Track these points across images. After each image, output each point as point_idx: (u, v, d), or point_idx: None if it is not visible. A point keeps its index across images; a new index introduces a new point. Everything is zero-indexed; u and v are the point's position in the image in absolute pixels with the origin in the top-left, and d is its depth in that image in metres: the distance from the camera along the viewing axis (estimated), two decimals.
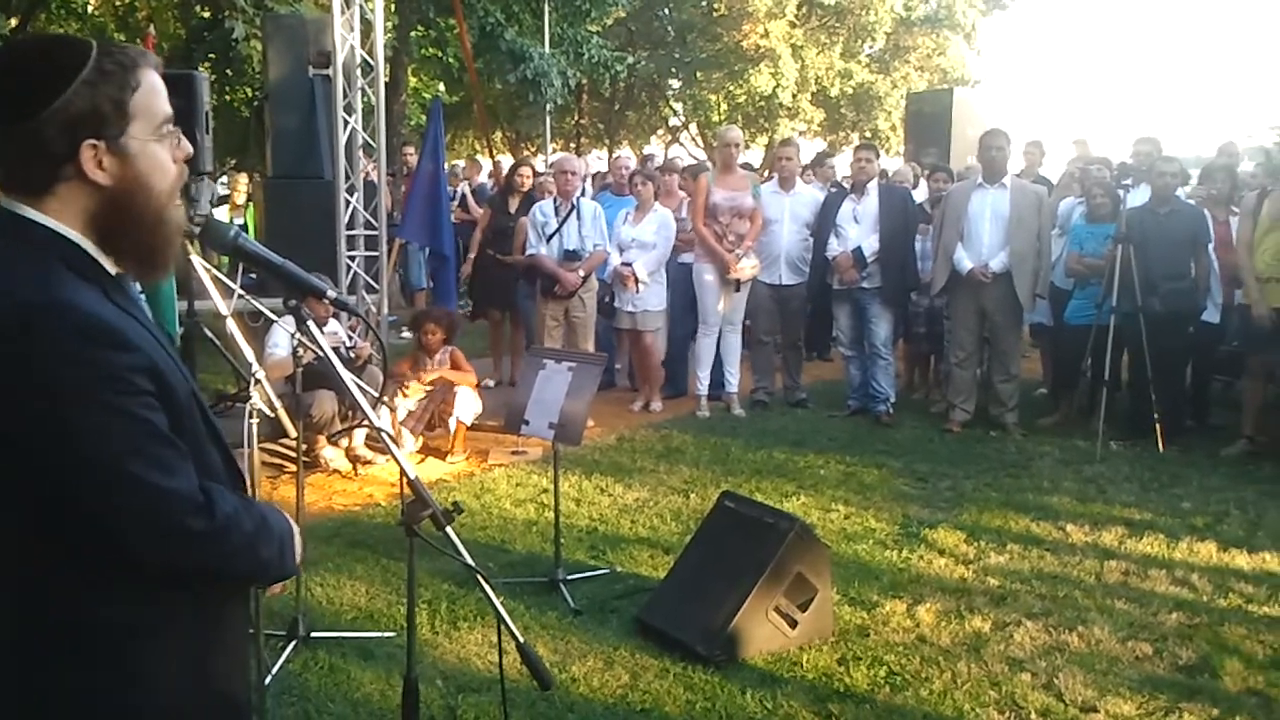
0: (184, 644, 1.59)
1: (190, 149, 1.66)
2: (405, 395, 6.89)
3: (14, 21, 15.09)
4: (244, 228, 10.50)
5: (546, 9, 17.79)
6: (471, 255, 9.25)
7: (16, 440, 1.42)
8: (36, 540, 1.49)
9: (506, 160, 13.43)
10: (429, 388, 6.99)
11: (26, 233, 1.52)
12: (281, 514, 1.73)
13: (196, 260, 4.07)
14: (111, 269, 1.59)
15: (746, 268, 7.95)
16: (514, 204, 8.99)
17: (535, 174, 9.34)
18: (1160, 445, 7.02)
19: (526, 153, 23.47)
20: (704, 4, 27.53)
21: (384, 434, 2.03)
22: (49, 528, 1.47)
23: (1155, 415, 7.05)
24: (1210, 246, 7.30)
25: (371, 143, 8.66)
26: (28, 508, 1.46)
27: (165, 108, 1.60)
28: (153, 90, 1.58)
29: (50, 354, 1.41)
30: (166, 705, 1.58)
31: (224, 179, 13.79)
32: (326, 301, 2.01)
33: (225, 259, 8.34)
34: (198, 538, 1.50)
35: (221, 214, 10.11)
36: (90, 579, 1.51)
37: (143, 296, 1.80)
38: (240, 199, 10.59)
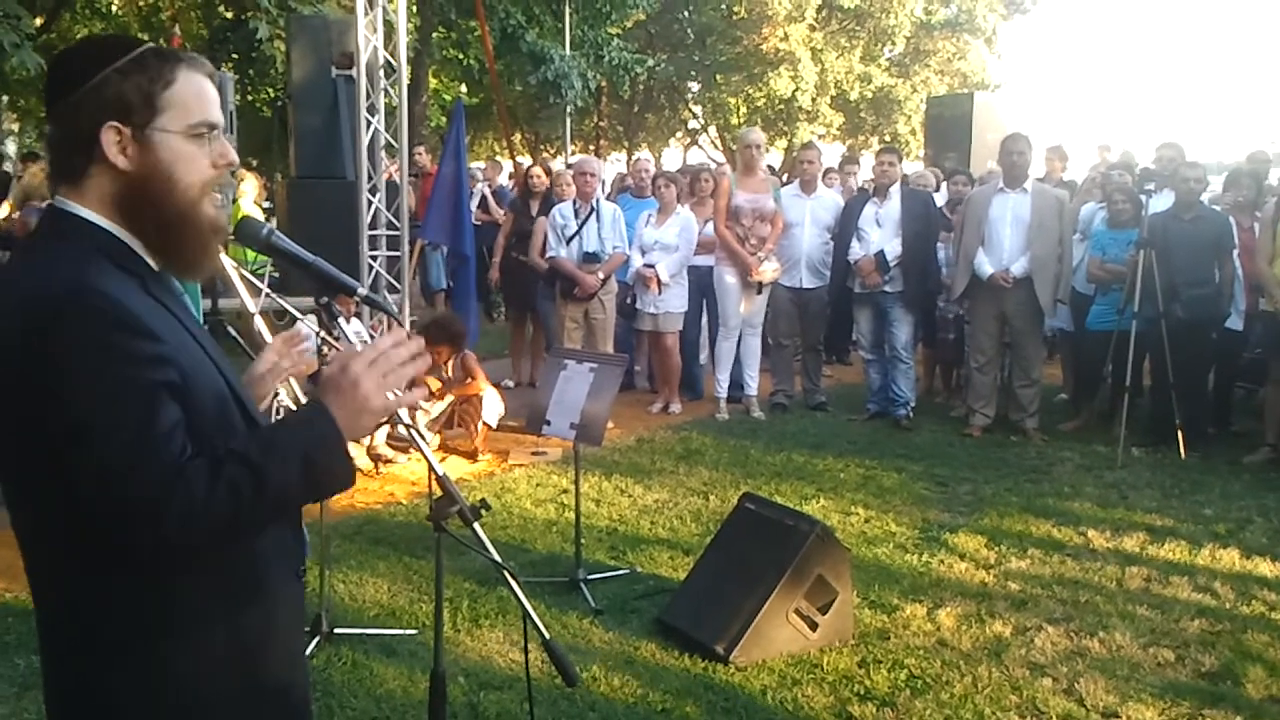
0: (223, 631, 1.61)
1: (233, 156, 1.69)
2: (426, 412, 6.91)
3: (39, 21, 15.22)
4: None
5: (567, 11, 17.85)
6: (497, 259, 9.36)
7: (44, 427, 1.45)
8: (65, 532, 1.52)
9: (527, 162, 13.46)
10: (442, 391, 7.02)
11: (71, 227, 1.59)
12: (310, 422, 1.57)
13: (225, 259, 4.10)
14: (154, 264, 1.64)
15: (768, 270, 7.96)
16: (534, 206, 9.06)
17: (548, 172, 9.44)
18: (1182, 452, 6.99)
19: (546, 154, 23.55)
20: (724, 7, 27.57)
21: (413, 431, 2.04)
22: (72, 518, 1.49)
23: (1177, 422, 7.01)
24: (1234, 253, 7.26)
25: (394, 143, 8.70)
26: (56, 498, 1.48)
27: (205, 111, 1.64)
28: (191, 90, 1.63)
29: (76, 339, 1.45)
30: (202, 692, 1.60)
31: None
32: (356, 299, 2.03)
33: (254, 255, 8.38)
34: (178, 527, 1.44)
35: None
36: (123, 568, 1.53)
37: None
38: (244, 199, 10.07)
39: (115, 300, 1.48)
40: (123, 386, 1.45)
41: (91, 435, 1.43)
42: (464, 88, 23.55)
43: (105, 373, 1.44)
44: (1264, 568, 5.12)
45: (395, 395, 1.62)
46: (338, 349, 4.32)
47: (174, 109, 1.61)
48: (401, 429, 2.03)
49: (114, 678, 1.56)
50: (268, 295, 4.81)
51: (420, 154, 12.15)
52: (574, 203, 7.99)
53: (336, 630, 4.14)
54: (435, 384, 6.99)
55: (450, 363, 7.12)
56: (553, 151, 25.94)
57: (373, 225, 8.59)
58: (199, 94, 1.64)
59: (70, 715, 1.61)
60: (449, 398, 7.02)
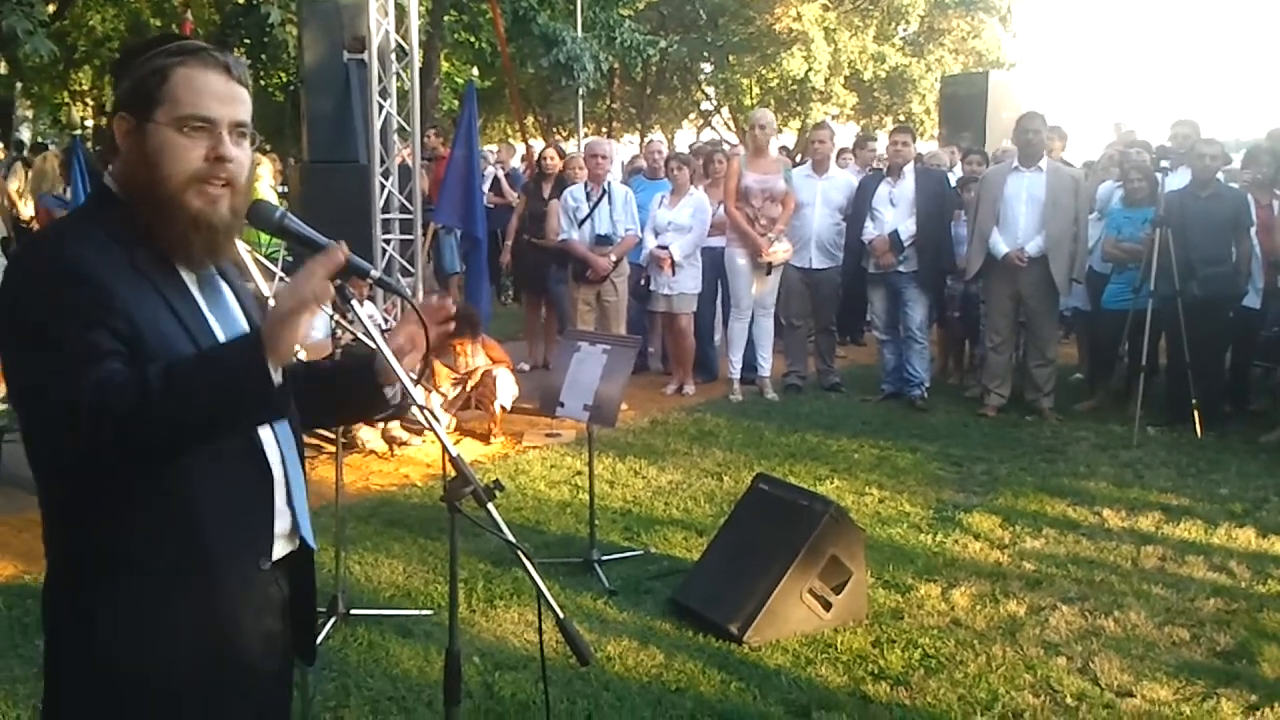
0: (159, 606, 1.68)
1: (225, 151, 1.71)
2: (438, 390, 6.91)
3: (52, 8, 15.26)
4: None
5: None
6: (508, 242, 9.38)
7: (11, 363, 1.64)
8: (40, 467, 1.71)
9: (539, 145, 13.46)
10: (463, 376, 7.03)
11: (96, 198, 1.79)
12: (235, 347, 1.64)
13: (240, 244, 4.12)
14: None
15: (779, 251, 7.94)
16: (547, 189, 9.08)
17: (562, 155, 9.47)
18: (1198, 431, 6.96)
19: (559, 137, 23.52)
20: None
21: (426, 412, 2.04)
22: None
23: (1193, 401, 6.98)
24: (1252, 230, 7.21)
25: (406, 127, 8.70)
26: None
27: (197, 105, 1.70)
28: (188, 85, 1.70)
29: (21, 283, 1.64)
30: (128, 661, 1.68)
31: None
32: (369, 282, 2.03)
33: (267, 239, 8.39)
34: (91, 415, 1.52)
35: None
36: (77, 514, 1.68)
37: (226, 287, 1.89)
38: (260, 182, 10.11)
39: (70, 258, 1.62)
40: (52, 326, 1.57)
41: (24, 366, 1.61)
42: (476, 71, 23.41)
43: (43, 314, 1.58)
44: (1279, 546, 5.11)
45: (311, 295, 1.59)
46: (352, 332, 4.34)
47: (168, 102, 1.69)
48: (416, 411, 2.03)
49: (63, 624, 1.72)
50: (281, 278, 4.83)
51: (429, 136, 12.15)
52: (585, 185, 7.99)
53: (353, 611, 4.17)
54: (445, 371, 6.99)
55: (470, 349, 7.11)
56: (565, 134, 25.90)
57: (385, 209, 8.60)
58: (195, 89, 1.70)
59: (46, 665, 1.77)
60: (458, 377, 7.03)
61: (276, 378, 1.56)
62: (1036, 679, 3.78)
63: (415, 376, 1.98)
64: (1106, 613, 4.33)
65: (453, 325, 2.08)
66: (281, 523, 1.85)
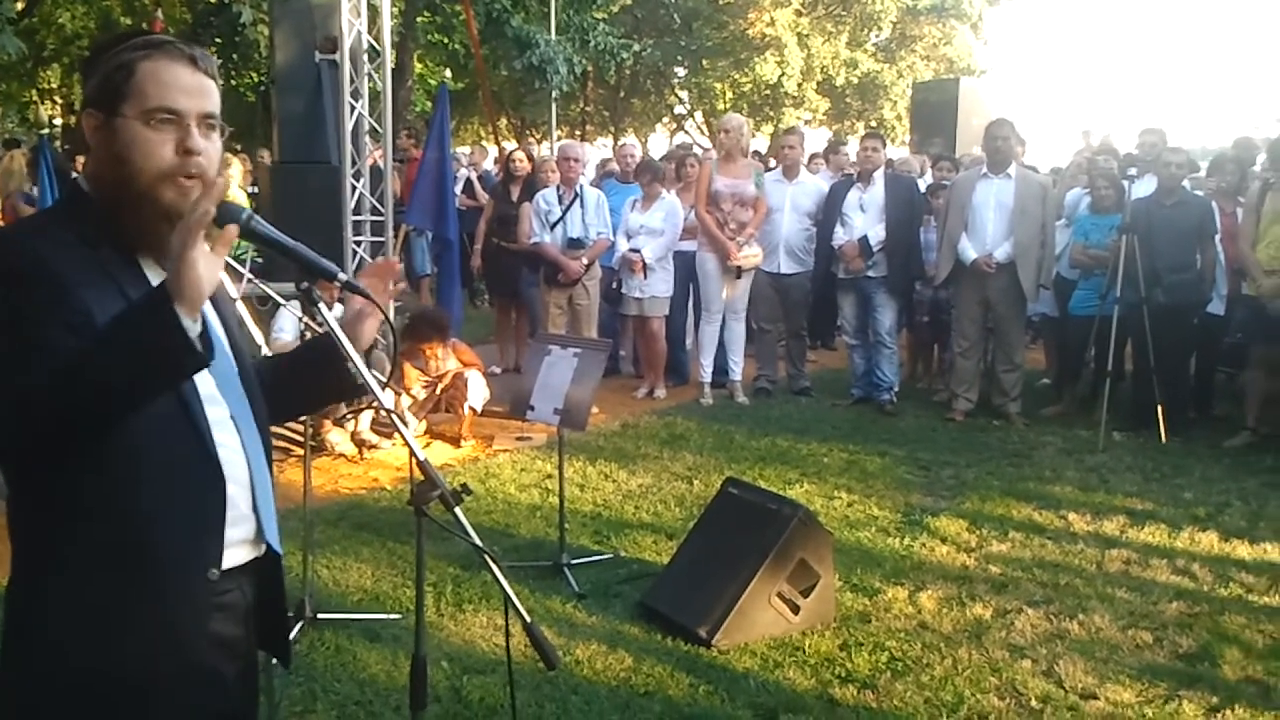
0: (103, 603, 1.66)
1: (193, 144, 1.70)
2: (409, 393, 6.89)
3: (20, 5, 15.10)
4: None
5: None
6: (478, 245, 9.35)
7: None
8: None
9: (512, 147, 13.45)
10: (434, 379, 7.01)
11: (68, 195, 1.78)
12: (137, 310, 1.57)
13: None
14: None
15: (748, 255, 7.96)
16: (515, 191, 9.05)
17: (530, 158, 9.45)
18: (1163, 436, 7.04)
19: (532, 140, 23.52)
20: None
21: (393, 415, 2.04)
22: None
23: (1158, 406, 7.06)
24: (1216, 238, 7.30)
25: (378, 128, 8.68)
26: None
27: (163, 98, 1.68)
28: (153, 78, 1.68)
29: None
30: (61, 653, 1.67)
31: None
32: (336, 285, 2.02)
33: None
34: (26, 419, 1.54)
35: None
36: (33, 512, 1.68)
37: None
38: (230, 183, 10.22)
39: (29, 254, 1.60)
40: (7, 320, 1.55)
41: None
42: (449, 72, 23.48)
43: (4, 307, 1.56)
44: (1242, 550, 5.17)
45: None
46: (322, 334, 4.32)
47: (135, 96, 1.68)
48: (384, 414, 2.02)
49: (13, 621, 1.69)
50: (249, 280, 4.81)
51: (402, 138, 12.11)
52: (558, 188, 7.99)
53: (320, 615, 4.15)
54: (415, 374, 6.96)
55: (440, 353, 7.08)
56: (539, 136, 25.90)
57: (357, 210, 8.57)
58: (161, 81, 1.68)
59: None
60: (430, 378, 7.01)
61: (193, 325, 1.51)
62: (1002, 681, 3.81)
63: (384, 379, 1.98)
64: (1071, 616, 4.37)
65: (402, 285, 2.09)
66: (246, 528, 1.82)
